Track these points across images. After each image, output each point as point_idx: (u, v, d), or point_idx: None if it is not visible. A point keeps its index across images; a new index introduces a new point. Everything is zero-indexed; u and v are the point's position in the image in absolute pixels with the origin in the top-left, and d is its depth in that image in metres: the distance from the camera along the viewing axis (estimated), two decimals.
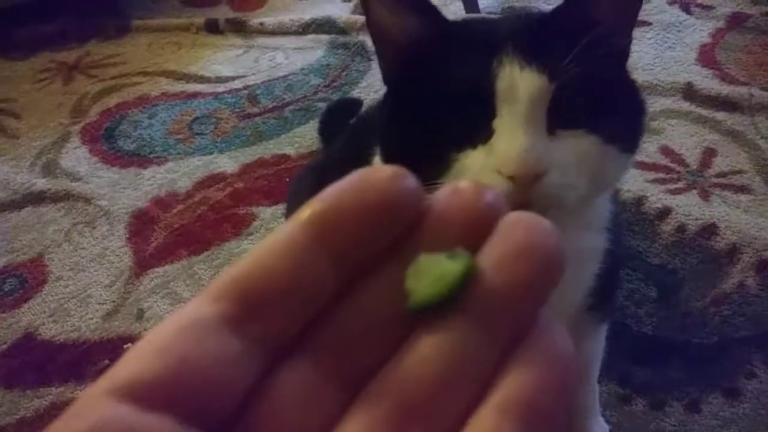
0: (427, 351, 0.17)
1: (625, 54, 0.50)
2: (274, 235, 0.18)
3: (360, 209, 0.17)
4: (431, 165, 0.44)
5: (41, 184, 1.11)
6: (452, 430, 0.16)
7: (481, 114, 0.43)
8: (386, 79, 0.51)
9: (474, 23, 0.54)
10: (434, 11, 0.48)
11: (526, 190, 0.41)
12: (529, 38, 0.45)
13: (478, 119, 0.43)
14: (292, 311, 0.17)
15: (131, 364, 0.16)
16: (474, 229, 0.18)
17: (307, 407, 0.17)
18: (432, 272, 0.17)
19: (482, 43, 0.45)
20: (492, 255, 0.17)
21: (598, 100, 0.45)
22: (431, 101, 0.45)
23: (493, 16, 0.60)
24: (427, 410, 0.16)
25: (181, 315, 0.17)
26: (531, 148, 0.41)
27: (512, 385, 0.16)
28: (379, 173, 0.18)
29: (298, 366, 0.17)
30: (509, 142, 0.42)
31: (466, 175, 0.43)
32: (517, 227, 0.17)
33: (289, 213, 0.85)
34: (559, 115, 0.43)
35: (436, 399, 0.16)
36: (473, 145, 0.44)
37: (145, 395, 0.16)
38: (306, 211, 0.17)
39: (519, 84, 0.42)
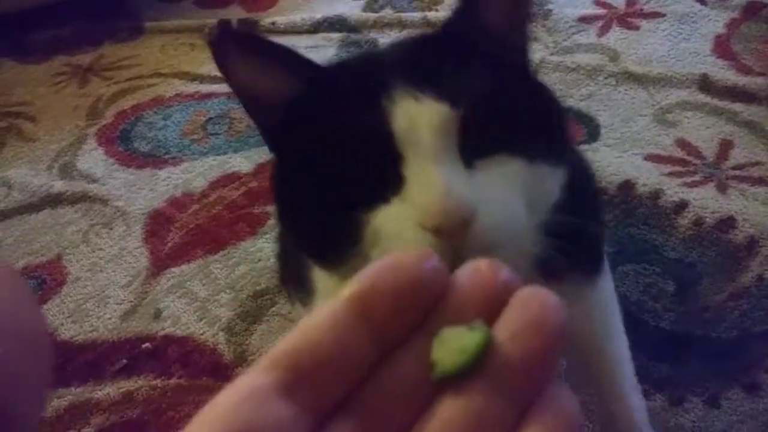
0: (451, 414, 0.19)
1: (525, 56, 0.45)
2: (319, 311, 0.20)
3: (393, 289, 0.20)
4: (343, 231, 0.38)
5: (59, 186, 1.12)
6: None
7: (384, 163, 0.36)
8: (267, 142, 0.44)
9: (354, 62, 0.49)
10: (303, 61, 0.42)
11: (458, 239, 0.35)
12: (419, 64, 0.39)
13: (382, 169, 0.37)
14: (336, 379, 0.20)
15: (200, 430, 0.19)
16: (491, 303, 0.21)
17: None
18: (454, 344, 0.20)
19: (367, 80, 0.39)
20: (508, 328, 0.20)
21: (511, 116, 0.39)
22: (324, 159, 0.39)
23: (376, 48, 0.54)
24: None
25: (240, 384, 0.19)
26: (450, 190, 0.35)
27: None
28: (409, 257, 0.21)
29: (341, 428, 0.20)
30: (424, 189, 0.35)
31: (385, 238, 0.37)
32: (529, 303, 0.20)
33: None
34: (473, 143, 0.37)
35: None
36: (385, 200, 0.37)
37: None
38: (347, 291, 0.20)
39: (418, 119, 0.36)
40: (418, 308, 0.21)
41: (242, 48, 0.41)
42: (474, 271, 0.21)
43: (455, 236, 0.34)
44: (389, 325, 0.20)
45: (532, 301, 0.20)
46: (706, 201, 0.92)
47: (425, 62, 0.40)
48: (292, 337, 0.20)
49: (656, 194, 0.93)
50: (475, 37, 0.41)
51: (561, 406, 0.20)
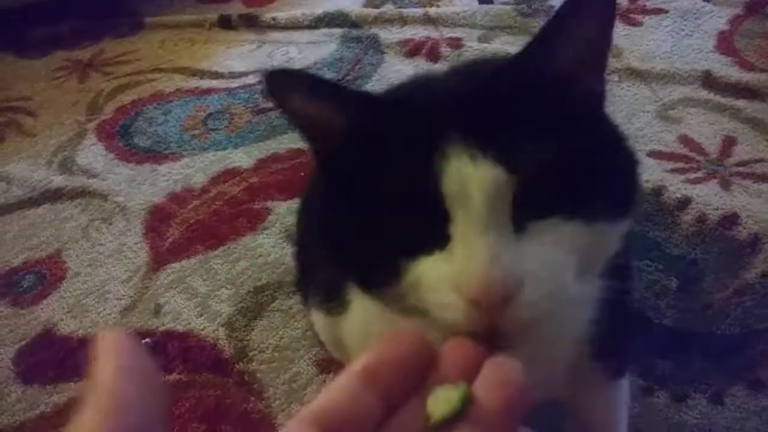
0: None
1: (601, 101, 0.40)
2: (338, 380, 0.28)
3: (392, 364, 0.28)
4: (383, 271, 0.37)
5: (58, 181, 1.12)
6: None
7: (432, 219, 0.34)
8: (320, 167, 0.42)
9: (410, 95, 0.42)
10: (353, 96, 0.40)
11: (496, 314, 0.33)
12: (479, 111, 0.35)
13: (429, 224, 0.34)
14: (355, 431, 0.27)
15: None
16: (470, 368, 0.28)
17: None
18: (443, 398, 0.27)
19: (421, 127, 0.36)
20: (484, 385, 0.27)
21: (573, 179, 0.35)
22: (371, 198, 0.37)
23: (437, 73, 0.47)
24: None
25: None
26: (494, 262, 0.32)
27: None
28: (406, 337, 0.29)
29: None
30: (468, 257, 0.33)
31: (423, 290, 0.35)
32: (499, 367, 0.28)
33: (299, 223, 0.78)
34: (528, 206, 0.34)
35: None
36: (429, 251, 0.35)
37: None
38: (358, 365, 0.28)
39: (471, 181, 0.33)
40: (411, 378, 0.28)
41: (290, 85, 0.39)
42: (456, 345, 0.30)
43: (493, 310, 0.33)
44: (391, 391, 0.28)
45: (501, 366, 0.28)
46: (709, 197, 0.91)
47: (486, 109, 0.35)
48: (320, 399, 0.28)
49: (659, 191, 0.93)
50: (546, 81, 0.36)
51: None
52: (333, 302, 0.54)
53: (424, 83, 0.44)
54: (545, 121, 0.35)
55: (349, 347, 0.56)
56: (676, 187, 0.93)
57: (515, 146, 0.33)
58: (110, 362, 0.25)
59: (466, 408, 0.27)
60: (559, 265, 0.35)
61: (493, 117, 0.35)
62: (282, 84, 0.39)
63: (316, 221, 0.44)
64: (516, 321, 0.33)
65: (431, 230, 0.35)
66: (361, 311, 0.49)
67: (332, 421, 0.27)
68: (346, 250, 0.40)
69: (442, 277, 0.34)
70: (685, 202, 0.91)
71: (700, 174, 0.96)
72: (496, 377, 0.27)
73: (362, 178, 0.37)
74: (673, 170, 0.97)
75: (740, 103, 1.08)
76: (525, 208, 0.34)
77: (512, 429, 0.27)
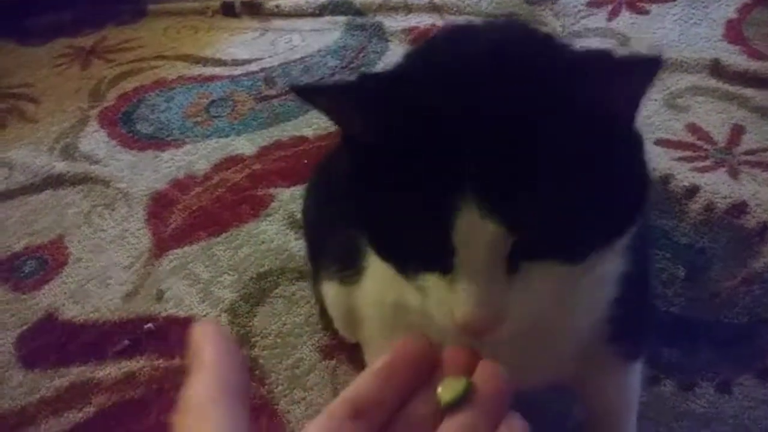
0: (454, 426, 0.32)
1: (630, 124, 0.40)
2: (364, 374, 0.34)
3: (405, 363, 0.34)
4: (398, 262, 0.41)
5: (60, 167, 1.11)
6: None
7: (441, 248, 0.37)
8: (347, 147, 0.43)
9: (434, 112, 0.37)
10: (382, 105, 0.38)
11: (483, 338, 0.38)
12: (493, 169, 0.35)
13: (438, 251, 0.37)
14: (380, 413, 0.33)
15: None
16: (469, 365, 0.34)
17: None
18: (451, 386, 0.33)
19: (440, 165, 0.36)
20: (480, 379, 0.33)
21: (573, 229, 0.37)
22: (392, 206, 0.39)
23: (459, 49, 0.41)
24: None
25: (325, 412, 0.32)
26: (483, 303, 0.37)
27: None
28: (416, 342, 0.35)
29: None
30: (464, 295, 0.37)
31: (428, 298, 0.40)
32: (489, 366, 0.34)
33: (305, 208, 0.80)
34: (524, 251, 0.37)
35: None
36: (434, 270, 0.39)
37: None
38: (378, 363, 0.34)
39: (475, 233, 0.36)
40: (421, 374, 0.34)
41: (314, 101, 0.41)
42: (455, 349, 0.36)
43: (479, 336, 0.38)
44: (406, 384, 0.34)
45: (491, 366, 0.34)
46: (717, 186, 0.90)
47: (502, 159, 0.35)
48: (353, 386, 0.34)
49: (667, 179, 0.92)
50: (576, 118, 0.35)
51: (515, 423, 0.33)
52: (348, 271, 0.54)
53: (447, 73, 0.39)
54: (562, 167, 0.35)
55: (362, 316, 0.56)
56: (684, 175, 0.92)
57: (522, 209, 0.36)
58: (210, 345, 0.31)
59: (469, 394, 0.33)
60: (543, 298, 0.39)
61: (507, 172, 0.35)
62: (306, 98, 0.40)
63: (340, 187, 0.44)
64: (499, 340, 0.38)
65: (440, 256, 0.38)
66: (378, 277, 0.50)
67: (363, 404, 0.32)
68: (369, 225, 0.42)
69: (441, 300, 0.39)
70: (692, 191, 0.90)
71: (708, 162, 0.95)
72: (489, 373, 0.34)
73: (384, 185, 0.39)
74: (680, 158, 0.96)
75: (749, 91, 1.07)
76: (521, 253, 0.37)
77: (505, 411, 0.33)
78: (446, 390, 0.33)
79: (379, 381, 0.33)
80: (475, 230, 0.36)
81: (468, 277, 0.37)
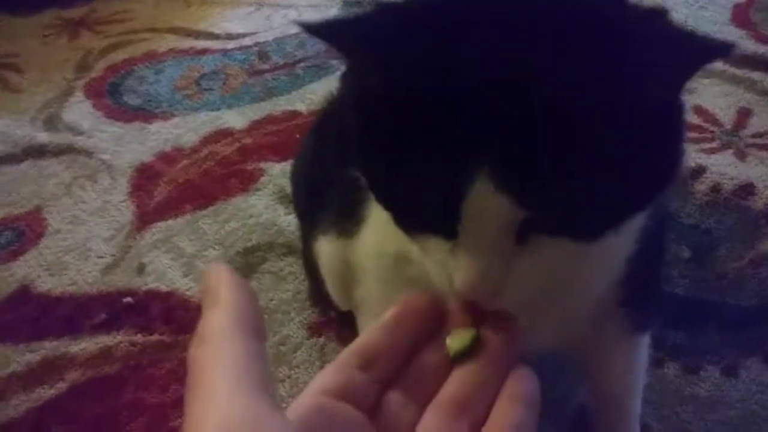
0: (463, 376, 0.33)
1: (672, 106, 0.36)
2: (374, 325, 0.35)
3: (417, 313, 0.35)
4: (400, 218, 0.39)
5: (42, 137, 1.07)
6: (484, 415, 0.32)
7: (449, 214, 0.35)
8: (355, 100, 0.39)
9: (453, 67, 0.33)
10: (395, 52, 0.34)
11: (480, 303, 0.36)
12: (511, 146, 0.32)
13: (446, 217, 0.35)
14: (390, 363, 0.33)
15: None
16: (477, 318, 0.35)
17: (400, 414, 0.32)
18: (459, 337, 0.34)
19: (463, 129, 0.32)
20: (490, 329, 0.34)
21: (593, 208, 0.34)
22: (404, 171, 0.35)
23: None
24: (469, 405, 0.32)
25: (335, 361, 0.33)
26: (486, 276, 0.35)
27: (510, 390, 0.32)
28: (423, 296, 0.36)
29: (396, 390, 0.33)
30: (466, 264, 0.35)
31: (428, 260, 0.38)
32: (500, 318, 0.35)
33: (294, 178, 0.77)
34: (535, 225, 0.34)
35: (473, 399, 0.32)
36: (436, 232, 0.36)
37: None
38: (391, 312, 0.35)
39: (488, 208, 0.33)
40: (430, 325, 0.35)
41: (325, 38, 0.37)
42: (465, 302, 0.36)
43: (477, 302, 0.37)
44: (416, 334, 0.35)
45: (503, 318, 0.35)
46: (724, 167, 0.87)
47: (531, 132, 0.31)
48: (360, 338, 0.35)
49: None
50: (620, 103, 0.31)
51: (523, 373, 0.33)
52: (346, 222, 0.52)
53: (486, 25, 0.34)
54: (587, 162, 0.32)
55: (360, 271, 0.53)
56: (690, 156, 0.89)
57: (539, 190, 0.32)
58: (224, 283, 0.31)
59: (478, 345, 0.33)
60: (550, 270, 0.37)
61: (530, 152, 0.32)
62: (320, 36, 0.36)
63: (345, 136, 0.40)
64: (499, 308, 0.36)
65: (446, 222, 0.35)
66: (379, 227, 0.47)
67: (370, 353, 0.33)
68: (376, 180, 0.39)
69: (442, 263, 0.37)
70: (699, 171, 0.87)
71: (714, 144, 0.92)
72: (499, 324, 0.34)
73: (398, 132, 0.35)
74: (687, 140, 0.92)
75: (755, 75, 1.05)
76: (531, 226, 0.34)
77: (513, 362, 0.33)
78: (455, 340, 0.34)
79: (388, 332, 0.34)
80: (487, 203, 0.33)
81: (472, 246, 0.35)
